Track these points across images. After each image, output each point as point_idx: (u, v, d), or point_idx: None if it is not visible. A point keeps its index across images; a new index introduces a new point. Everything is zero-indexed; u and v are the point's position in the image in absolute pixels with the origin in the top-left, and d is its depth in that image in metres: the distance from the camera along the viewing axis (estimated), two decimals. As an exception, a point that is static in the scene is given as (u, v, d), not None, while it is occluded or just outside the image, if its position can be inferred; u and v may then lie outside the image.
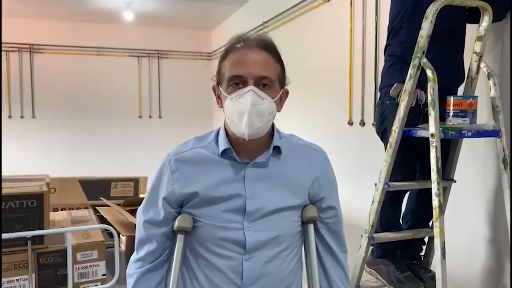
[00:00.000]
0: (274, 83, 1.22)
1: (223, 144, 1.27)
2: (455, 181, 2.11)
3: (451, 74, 1.99)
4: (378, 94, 2.22)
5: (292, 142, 1.35)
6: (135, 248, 1.37)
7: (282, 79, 1.26)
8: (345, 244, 1.41)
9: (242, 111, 1.17)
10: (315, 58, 3.90)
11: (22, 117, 6.55)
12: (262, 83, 1.19)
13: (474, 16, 1.99)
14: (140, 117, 7.04)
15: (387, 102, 2.02)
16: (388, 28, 2.11)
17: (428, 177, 1.94)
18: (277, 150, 1.29)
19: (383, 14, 2.91)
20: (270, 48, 1.24)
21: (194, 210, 1.27)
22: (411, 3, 1.97)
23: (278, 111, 1.26)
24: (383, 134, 2.09)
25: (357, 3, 3.22)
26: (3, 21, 4.56)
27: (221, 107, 1.26)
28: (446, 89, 1.90)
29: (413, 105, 1.91)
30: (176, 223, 1.28)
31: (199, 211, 1.27)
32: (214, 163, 1.27)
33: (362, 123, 3.19)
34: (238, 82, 1.19)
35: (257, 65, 1.19)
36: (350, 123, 3.34)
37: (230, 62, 1.22)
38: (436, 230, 1.71)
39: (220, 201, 1.25)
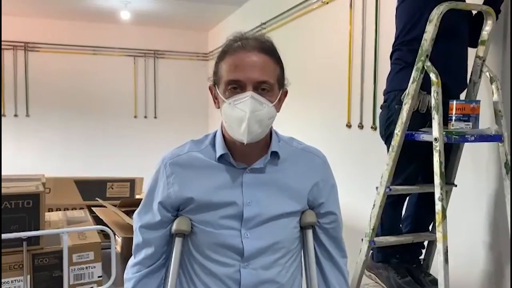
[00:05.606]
0: (274, 87, 1.19)
1: (220, 149, 1.24)
2: (456, 185, 2.10)
3: (457, 78, 1.98)
4: (381, 97, 2.20)
5: (291, 146, 1.32)
6: (132, 253, 1.35)
7: (281, 81, 1.23)
8: (344, 249, 1.39)
9: (241, 118, 1.14)
10: (313, 60, 3.89)
11: (16, 115, 6.48)
12: (261, 88, 1.16)
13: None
14: (135, 117, 7.00)
15: (395, 106, 1.98)
16: (395, 35, 2.08)
17: (429, 181, 1.93)
18: (275, 154, 1.26)
19: (383, 17, 2.91)
20: (268, 50, 1.20)
21: (191, 215, 1.26)
22: (418, 15, 1.94)
23: (277, 111, 1.23)
24: (388, 138, 2.07)
25: (356, 5, 3.21)
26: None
27: (218, 107, 1.23)
28: (451, 93, 1.89)
29: (423, 111, 1.90)
30: (174, 226, 1.27)
31: (196, 217, 1.25)
32: (210, 168, 1.25)
33: (361, 126, 3.17)
34: (236, 87, 1.16)
35: (256, 69, 1.16)
36: (349, 125, 3.33)
37: (227, 65, 1.18)
38: (439, 235, 1.70)
39: (217, 207, 1.23)
